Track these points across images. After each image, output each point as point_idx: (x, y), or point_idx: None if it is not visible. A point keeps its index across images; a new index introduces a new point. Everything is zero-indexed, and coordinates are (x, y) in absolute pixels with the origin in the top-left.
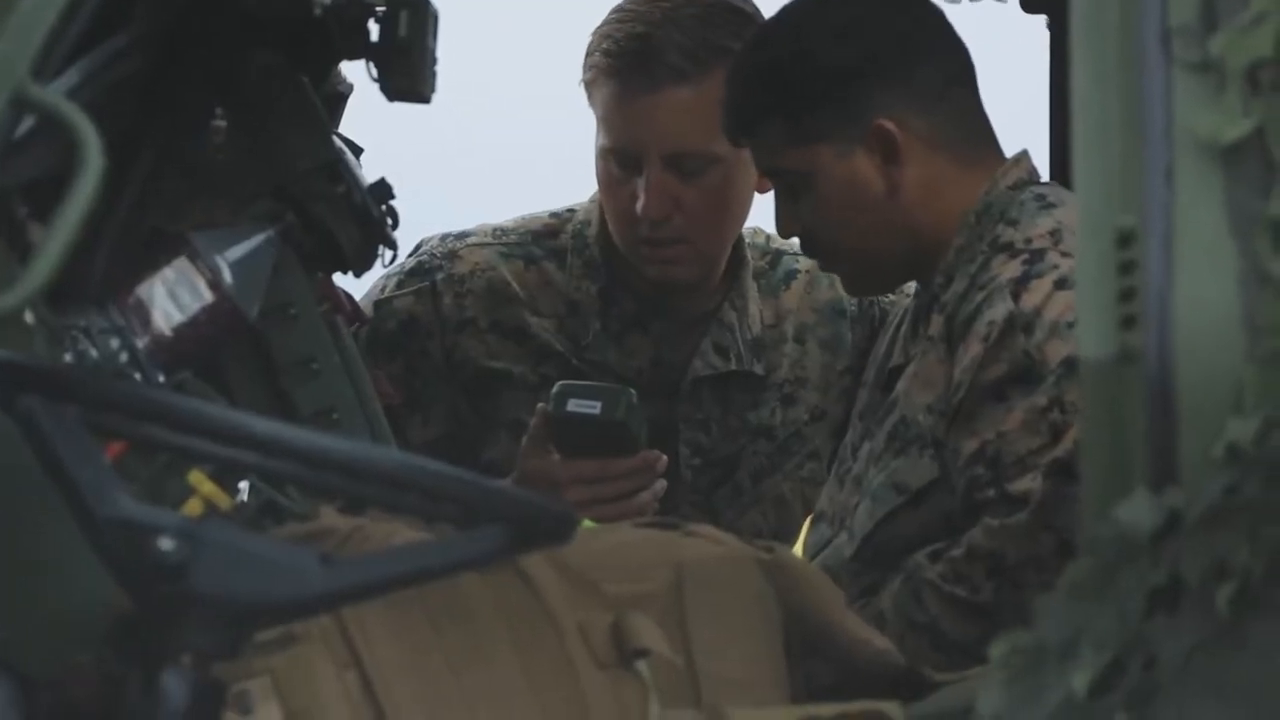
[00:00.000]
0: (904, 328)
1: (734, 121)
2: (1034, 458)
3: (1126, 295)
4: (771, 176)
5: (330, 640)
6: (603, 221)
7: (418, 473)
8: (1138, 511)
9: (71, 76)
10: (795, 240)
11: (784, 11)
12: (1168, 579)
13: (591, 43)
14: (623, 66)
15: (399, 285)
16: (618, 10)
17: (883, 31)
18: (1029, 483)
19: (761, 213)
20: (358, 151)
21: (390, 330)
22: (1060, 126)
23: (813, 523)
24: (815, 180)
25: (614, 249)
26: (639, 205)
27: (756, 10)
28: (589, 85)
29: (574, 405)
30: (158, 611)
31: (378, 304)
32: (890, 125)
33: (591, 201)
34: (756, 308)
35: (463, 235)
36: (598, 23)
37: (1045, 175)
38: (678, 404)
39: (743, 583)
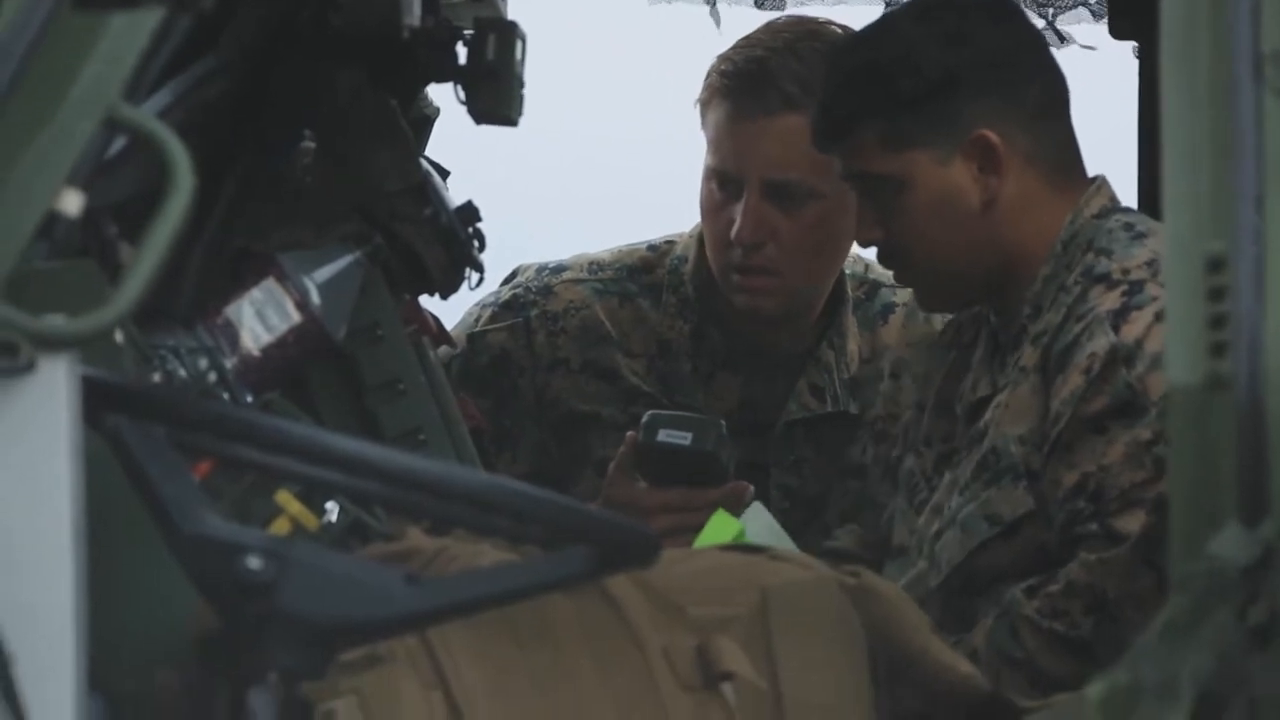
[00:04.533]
0: (979, 354)
1: (827, 124)
2: (1137, 491)
3: (1216, 322)
4: (860, 182)
5: (416, 660)
6: (700, 257)
7: (504, 494)
8: (1231, 546)
9: (162, 97)
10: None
11: (886, 18)
12: (1268, 615)
13: (712, 65)
14: (736, 87)
15: (493, 318)
16: (744, 39)
17: (991, 44)
18: (1131, 517)
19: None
20: (445, 174)
21: (482, 365)
22: (1149, 153)
23: (892, 555)
24: (907, 188)
25: (709, 285)
26: (734, 230)
27: None
28: (703, 105)
29: (664, 435)
30: (244, 630)
31: (471, 337)
32: (993, 136)
33: (690, 235)
34: (855, 344)
35: (558, 269)
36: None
37: (1132, 202)
38: (769, 446)
39: (828, 607)
